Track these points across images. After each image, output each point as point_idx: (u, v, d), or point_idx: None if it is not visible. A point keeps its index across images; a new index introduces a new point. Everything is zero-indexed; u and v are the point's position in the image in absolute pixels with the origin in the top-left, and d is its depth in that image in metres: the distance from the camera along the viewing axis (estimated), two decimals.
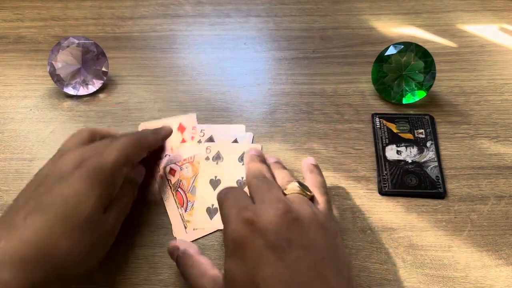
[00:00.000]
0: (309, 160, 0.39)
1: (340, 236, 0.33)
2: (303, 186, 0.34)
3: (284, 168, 0.38)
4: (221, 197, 0.32)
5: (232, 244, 0.29)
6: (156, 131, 0.41)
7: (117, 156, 0.34)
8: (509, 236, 0.38)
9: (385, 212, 0.40)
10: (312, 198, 0.34)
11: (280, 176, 0.36)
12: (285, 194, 0.33)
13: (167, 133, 0.43)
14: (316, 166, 0.38)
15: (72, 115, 0.49)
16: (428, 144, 0.45)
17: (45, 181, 0.32)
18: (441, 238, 0.38)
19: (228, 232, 0.29)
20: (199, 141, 0.45)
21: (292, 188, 0.33)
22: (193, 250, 0.34)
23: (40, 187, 0.32)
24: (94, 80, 0.50)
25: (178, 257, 0.34)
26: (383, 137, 0.45)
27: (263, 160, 0.37)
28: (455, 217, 0.40)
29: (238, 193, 0.32)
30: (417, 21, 0.59)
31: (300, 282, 0.26)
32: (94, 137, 0.38)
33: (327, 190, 0.35)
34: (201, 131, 0.46)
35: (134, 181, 0.39)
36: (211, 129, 0.47)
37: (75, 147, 0.36)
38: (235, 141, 0.45)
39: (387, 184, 0.42)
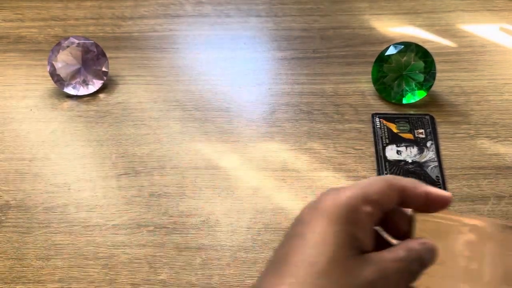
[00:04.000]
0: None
1: None
2: None
3: None
4: None
5: None
6: (417, 182, 0.31)
7: (353, 192, 0.30)
8: None
9: None
10: None
11: None
12: None
13: (435, 193, 0.33)
14: None
15: (72, 115, 0.49)
16: (428, 144, 0.45)
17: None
18: None
19: None
20: None
21: None
22: None
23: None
24: (94, 80, 0.50)
25: None
26: (383, 137, 0.45)
27: None
28: None
29: None
30: (418, 21, 0.59)
31: None
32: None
33: None
34: None
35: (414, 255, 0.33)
36: None
37: None
38: None
39: None
